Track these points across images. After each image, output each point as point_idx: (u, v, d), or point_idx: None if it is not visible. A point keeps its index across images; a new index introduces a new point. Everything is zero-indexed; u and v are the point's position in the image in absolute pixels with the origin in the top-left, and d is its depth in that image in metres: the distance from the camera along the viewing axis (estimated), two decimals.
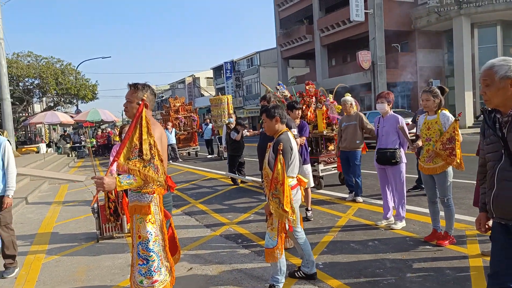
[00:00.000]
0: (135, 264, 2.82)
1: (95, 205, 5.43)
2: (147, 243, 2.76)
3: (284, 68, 37.26)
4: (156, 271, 2.79)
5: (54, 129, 36.21)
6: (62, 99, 27.87)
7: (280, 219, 3.26)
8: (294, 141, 3.52)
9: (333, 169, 7.90)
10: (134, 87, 2.89)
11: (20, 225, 6.60)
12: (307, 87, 7.97)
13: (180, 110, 18.62)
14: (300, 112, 5.88)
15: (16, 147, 19.26)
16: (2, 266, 4.38)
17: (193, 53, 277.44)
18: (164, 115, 19.33)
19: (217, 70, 54.00)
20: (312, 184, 5.94)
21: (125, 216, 5.42)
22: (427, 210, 4.79)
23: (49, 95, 26.72)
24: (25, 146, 22.04)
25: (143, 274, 2.77)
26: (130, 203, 2.87)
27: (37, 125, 25.62)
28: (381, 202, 5.55)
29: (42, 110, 27.94)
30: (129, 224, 5.50)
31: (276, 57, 38.59)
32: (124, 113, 3.34)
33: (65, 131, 28.90)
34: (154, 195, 2.79)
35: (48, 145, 23.51)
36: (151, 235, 2.77)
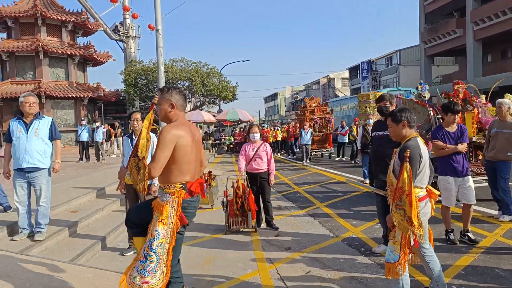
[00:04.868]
0: (137, 259, 2.82)
1: (225, 199, 5.82)
2: (152, 242, 2.75)
3: (428, 67, 34.28)
4: (150, 272, 2.74)
5: (200, 126, 40.16)
6: (207, 100, 30.77)
7: (404, 232, 2.97)
8: (424, 147, 3.17)
9: (484, 181, 6.80)
10: (161, 91, 3.01)
11: None
12: (455, 87, 7.11)
13: (315, 111, 18.36)
14: (457, 116, 4.92)
15: None
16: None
17: (329, 53, 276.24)
18: (299, 115, 19.34)
19: (353, 70, 52.71)
20: (474, 201, 4.82)
21: (250, 212, 5.65)
22: None
23: (196, 96, 29.81)
24: None
25: (138, 271, 2.76)
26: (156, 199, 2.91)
27: None
28: None
29: (190, 109, 31.29)
30: (254, 220, 5.74)
31: (418, 55, 35.76)
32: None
33: (209, 128, 31.84)
34: (173, 196, 2.79)
35: None
36: (158, 235, 2.75)
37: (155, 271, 2.74)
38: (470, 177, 4.88)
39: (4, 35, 24.13)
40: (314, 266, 4.25)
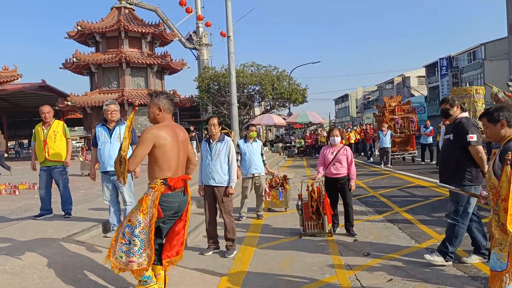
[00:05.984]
0: (118, 241, 3.14)
1: (299, 203, 5.77)
2: (134, 229, 3.07)
3: None
4: (135, 254, 3.07)
5: (269, 129, 40.51)
6: (277, 103, 30.87)
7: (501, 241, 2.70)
8: None
9: None
10: (150, 96, 3.31)
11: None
12: None
13: (396, 110, 17.28)
14: None
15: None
16: (224, 247, 5.12)
17: (403, 51, 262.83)
18: (378, 115, 18.42)
19: (431, 68, 49.75)
20: None
21: (326, 216, 5.54)
22: None
23: (266, 99, 30.05)
24: None
25: (124, 251, 3.10)
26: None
27: (256, 126, 29.29)
28: None
29: (260, 113, 31.69)
30: (329, 224, 5.61)
31: (506, 48, 32.74)
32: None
33: (278, 130, 31.97)
34: (153, 190, 3.11)
35: (264, 144, 26.51)
36: (140, 224, 3.07)
37: (141, 252, 3.08)
38: None
39: (93, 49, 26.43)
40: (396, 275, 4.05)
